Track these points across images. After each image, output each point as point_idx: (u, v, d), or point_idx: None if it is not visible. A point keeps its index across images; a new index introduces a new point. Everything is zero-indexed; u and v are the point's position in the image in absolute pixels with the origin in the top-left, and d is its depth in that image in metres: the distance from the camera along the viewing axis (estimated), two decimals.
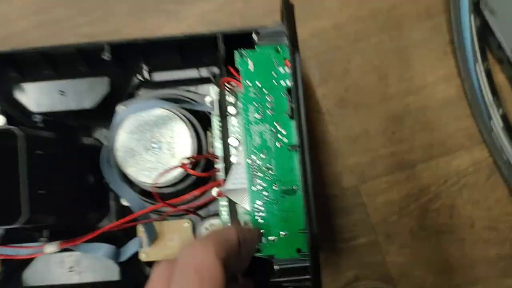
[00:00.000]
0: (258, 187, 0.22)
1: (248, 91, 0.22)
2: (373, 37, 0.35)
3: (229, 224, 0.25)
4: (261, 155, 0.22)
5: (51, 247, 0.29)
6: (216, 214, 0.29)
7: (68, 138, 0.31)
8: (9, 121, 0.30)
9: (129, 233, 0.30)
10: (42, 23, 0.35)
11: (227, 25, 0.34)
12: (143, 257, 0.29)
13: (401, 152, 0.33)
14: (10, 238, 0.30)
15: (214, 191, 0.27)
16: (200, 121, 0.28)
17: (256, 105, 0.22)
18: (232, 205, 0.24)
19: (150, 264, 0.29)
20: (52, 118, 0.30)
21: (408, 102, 0.34)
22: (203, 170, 0.28)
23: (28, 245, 0.29)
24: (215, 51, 0.28)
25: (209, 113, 0.27)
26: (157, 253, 0.29)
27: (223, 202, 0.25)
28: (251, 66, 0.23)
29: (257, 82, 0.23)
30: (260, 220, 0.22)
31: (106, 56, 0.28)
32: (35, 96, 0.31)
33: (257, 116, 0.22)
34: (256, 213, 0.22)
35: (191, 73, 0.30)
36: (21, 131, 0.25)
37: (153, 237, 0.29)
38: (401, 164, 0.33)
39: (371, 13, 0.35)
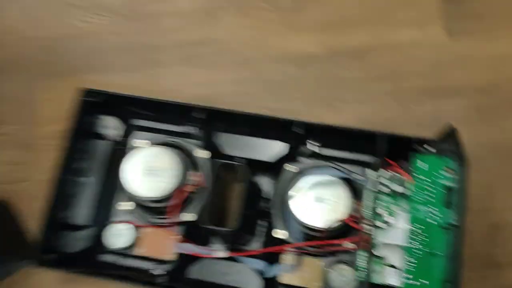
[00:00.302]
0: (413, 247, 0.32)
1: (416, 182, 0.33)
2: (486, 162, 0.43)
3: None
4: (420, 226, 0.33)
5: (222, 253, 0.39)
6: (344, 262, 0.38)
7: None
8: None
9: (271, 257, 0.40)
10: (236, 92, 0.49)
11: (375, 125, 0.44)
12: (284, 279, 0.39)
13: (493, 253, 0.41)
14: (189, 237, 0.41)
15: (350, 243, 0.37)
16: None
17: (421, 192, 0.33)
18: (369, 256, 0.34)
19: (287, 286, 0.39)
20: (242, 162, 0.42)
21: (507, 217, 0.42)
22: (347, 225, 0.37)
23: (204, 247, 0.40)
24: (370, 141, 0.38)
25: (362, 185, 0.37)
26: (293, 279, 0.39)
27: (363, 253, 0.34)
28: (420, 165, 0.33)
29: (422, 176, 0.33)
30: (409, 269, 0.32)
31: (296, 129, 0.40)
32: (229, 143, 0.43)
33: (420, 199, 0.33)
34: (406, 265, 0.32)
35: (350, 155, 0.41)
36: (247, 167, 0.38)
37: (295, 266, 0.39)
38: (492, 263, 0.41)
39: (488, 142, 0.45)
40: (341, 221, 0.35)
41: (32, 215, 0.46)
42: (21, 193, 0.48)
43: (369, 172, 0.36)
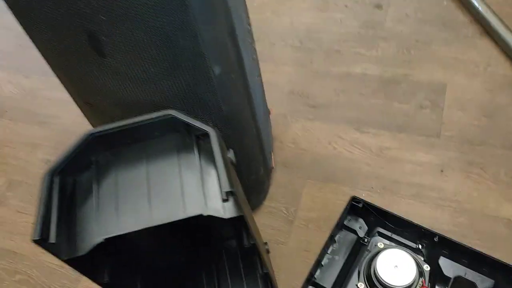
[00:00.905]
0: None
1: None
2: None
3: None
4: None
5: None
6: None
7: None
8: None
9: None
10: (452, 232, 0.64)
11: None
12: None
13: None
14: None
15: None
16: None
17: None
18: None
19: None
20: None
21: None
22: None
23: None
24: None
25: None
26: None
27: None
28: None
29: None
30: None
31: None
32: (448, 266, 0.58)
33: None
34: None
35: None
36: None
37: None
38: None
39: None
40: None
41: (281, 268, 0.65)
42: (278, 251, 0.67)
43: None
